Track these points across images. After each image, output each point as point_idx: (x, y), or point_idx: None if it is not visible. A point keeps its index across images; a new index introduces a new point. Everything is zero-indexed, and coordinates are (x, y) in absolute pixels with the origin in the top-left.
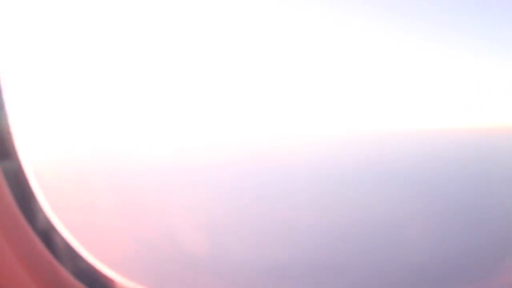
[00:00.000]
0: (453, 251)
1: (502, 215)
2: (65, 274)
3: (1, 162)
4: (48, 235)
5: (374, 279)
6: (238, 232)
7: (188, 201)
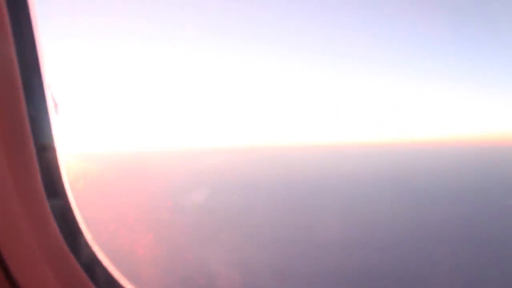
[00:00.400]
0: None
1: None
2: None
3: (50, 199)
4: (92, 267)
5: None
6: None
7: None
